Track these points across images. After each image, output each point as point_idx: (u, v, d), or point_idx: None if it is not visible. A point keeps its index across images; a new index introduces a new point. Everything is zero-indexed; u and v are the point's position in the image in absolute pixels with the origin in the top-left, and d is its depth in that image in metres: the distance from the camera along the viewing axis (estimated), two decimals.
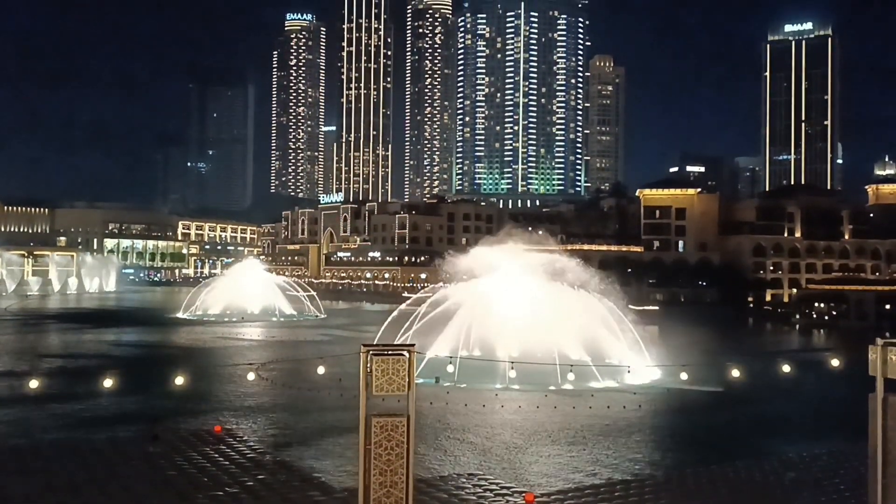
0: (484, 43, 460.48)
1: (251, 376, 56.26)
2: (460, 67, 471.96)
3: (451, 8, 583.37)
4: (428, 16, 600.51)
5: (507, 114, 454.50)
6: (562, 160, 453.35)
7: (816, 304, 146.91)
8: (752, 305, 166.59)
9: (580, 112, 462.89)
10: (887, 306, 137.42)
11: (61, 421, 47.31)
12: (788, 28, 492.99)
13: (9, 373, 67.39)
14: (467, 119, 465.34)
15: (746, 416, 52.76)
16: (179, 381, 47.06)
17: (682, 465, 39.03)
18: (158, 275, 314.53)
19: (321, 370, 52.92)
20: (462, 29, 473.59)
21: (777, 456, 39.52)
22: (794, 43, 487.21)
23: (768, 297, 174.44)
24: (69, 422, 47.15)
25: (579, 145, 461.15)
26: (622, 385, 60.95)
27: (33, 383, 48.47)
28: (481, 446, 42.48)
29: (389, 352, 17.90)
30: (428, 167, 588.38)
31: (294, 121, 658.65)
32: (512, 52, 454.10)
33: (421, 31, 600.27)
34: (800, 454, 39.66)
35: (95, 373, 58.59)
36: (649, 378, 64.22)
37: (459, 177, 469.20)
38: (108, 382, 46.08)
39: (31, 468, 34.60)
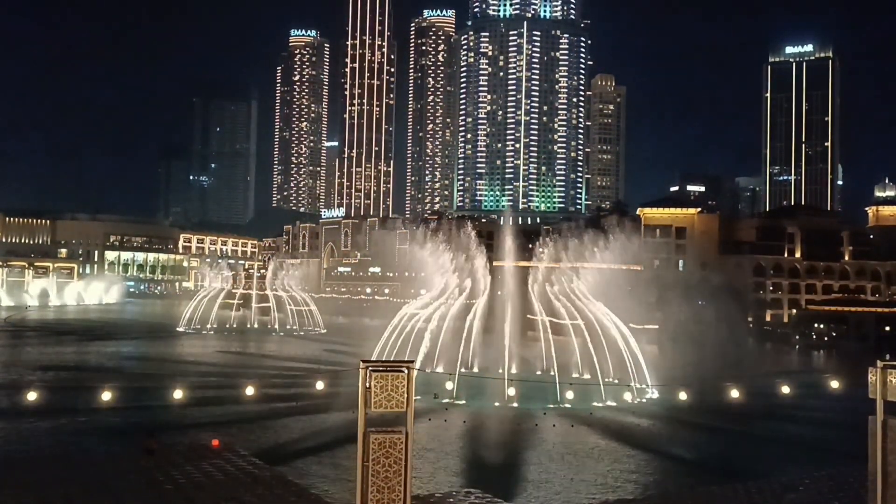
0: (486, 61, 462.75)
1: (250, 390, 56.06)
2: (463, 85, 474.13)
3: (454, 26, 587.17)
4: (431, 33, 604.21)
5: (508, 131, 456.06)
6: (563, 178, 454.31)
7: (816, 325, 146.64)
8: (751, 325, 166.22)
9: (581, 130, 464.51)
10: (887, 328, 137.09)
11: (57, 433, 47.12)
12: (789, 50, 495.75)
13: (6, 384, 67.20)
14: (469, 136, 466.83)
15: (745, 436, 52.54)
16: (178, 394, 47.00)
17: (680, 486, 38.85)
18: (158, 287, 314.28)
19: (320, 385, 52.83)
20: (465, 47, 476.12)
21: (776, 477, 39.32)
22: (794, 64, 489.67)
23: (768, 318, 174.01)
24: (65, 434, 46.95)
25: (580, 163, 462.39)
26: (621, 404, 60.75)
27: (31, 395, 48.38)
28: (479, 463, 42.27)
29: (388, 368, 17.85)
30: (429, 183, 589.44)
31: (297, 136, 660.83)
32: (514, 71, 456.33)
33: (424, 48, 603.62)
34: (799, 476, 39.46)
35: (93, 385, 58.45)
36: (649, 397, 64.01)
37: (460, 193, 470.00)
38: (105, 395, 46.01)
39: (26, 481, 34.41)
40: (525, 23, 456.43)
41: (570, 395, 57.06)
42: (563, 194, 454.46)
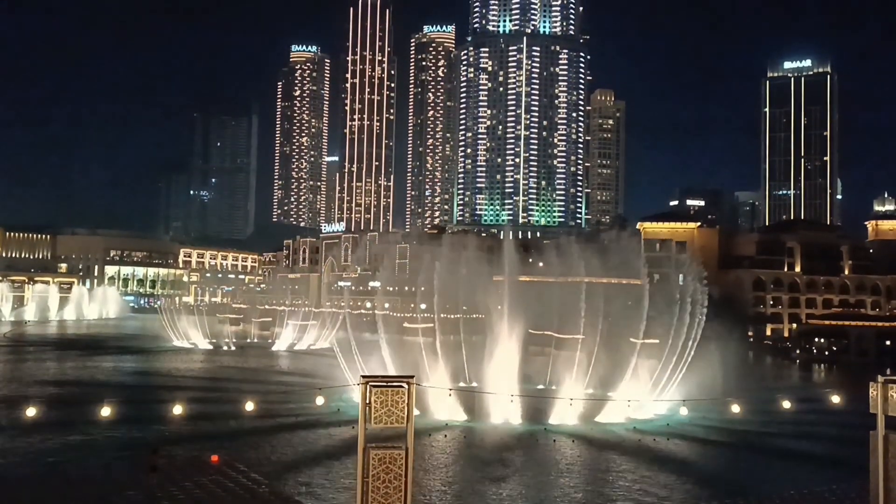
0: (486, 76, 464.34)
1: (250, 405, 55.90)
2: (462, 100, 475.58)
3: (454, 41, 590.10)
4: (431, 49, 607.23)
5: (508, 146, 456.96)
6: (562, 192, 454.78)
7: (817, 340, 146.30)
8: (751, 340, 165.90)
9: (581, 145, 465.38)
10: (888, 342, 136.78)
11: (55, 449, 46.92)
12: (788, 65, 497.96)
13: (4, 399, 67.00)
14: (469, 150, 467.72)
15: (747, 452, 52.31)
16: (178, 409, 46.88)
17: (681, 502, 38.67)
18: (158, 302, 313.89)
19: (320, 400, 52.69)
20: (465, 62, 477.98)
21: (778, 493, 39.15)
22: (793, 79, 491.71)
23: (768, 332, 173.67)
24: (63, 450, 46.74)
25: (580, 178, 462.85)
26: (622, 420, 60.51)
27: (30, 411, 48.25)
28: (478, 479, 42.08)
29: (389, 383, 17.82)
30: (429, 198, 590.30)
31: (297, 150, 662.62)
32: (514, 86, 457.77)
33: (424, 63, 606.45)
34: (800, 491, 39.27)
35: (91, 400, 58.28)
36: (649, 413, 63.74)
37: (460, 207, 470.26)
38: (104, 411, 45.88)
39: (24, 498, 34.26)
40: (524, 38, 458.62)
41: (571, 410, 56.83)
42: (562, 209, 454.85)
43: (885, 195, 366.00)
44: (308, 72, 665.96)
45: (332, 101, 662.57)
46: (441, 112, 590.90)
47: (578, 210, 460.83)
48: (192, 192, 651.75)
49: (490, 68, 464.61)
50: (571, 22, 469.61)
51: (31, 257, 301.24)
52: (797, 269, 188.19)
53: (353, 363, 68.79)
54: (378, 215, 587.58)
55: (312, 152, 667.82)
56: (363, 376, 18.38)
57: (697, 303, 74.84)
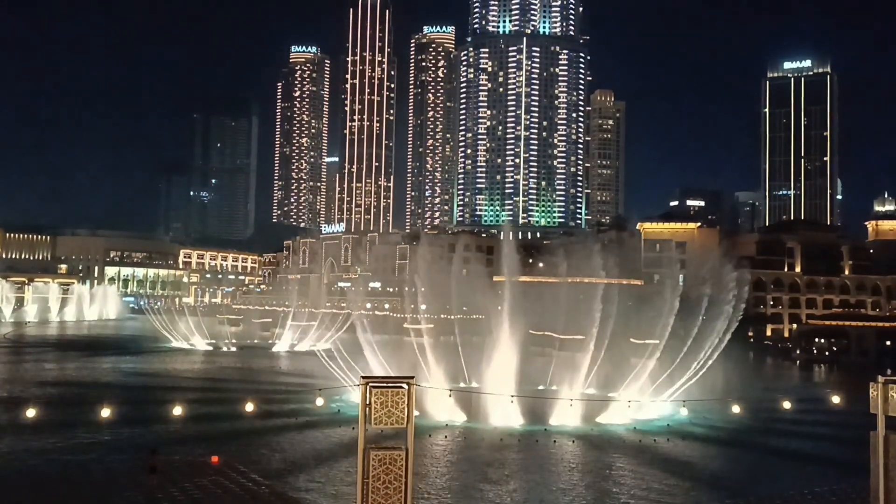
0: (486, 77, 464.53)
1: (249, 406, 55.86)
2: (462, 100, 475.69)
3: (453, 42, 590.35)
4: (431, 49, 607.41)
5: (508, 146, 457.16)
6: (562, 193, 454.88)
7: (817, 340, 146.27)
8: (752, 340, 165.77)
9: (581, 146, 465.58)
10: (888, 342, 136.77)
11: (55, 450, 46.89)
12: (787, 65, 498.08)
13: (4, 400, 66.99)
14: (469, 151, 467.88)
15: (748, 453, 52.27)
16: (177, 410, 46.85)
17: (682, 502, 38.64)
18: (158, 303, 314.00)
19: (320, 401, 52.66)
20: (465, 63, 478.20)
21: (779, 494, 39.12)
22: (793, 79, 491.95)
23: (769, 332, 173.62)
24: (63, 451, 46.72)
25: (580, 178, 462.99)
26: (624, 420, 60.49)
27: (29, 412, 48.25)
28: (478, 480, 42.08)
29: (388, 384, 17.78)
30: (429, 198, 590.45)
31: (297, 151, 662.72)
32: (514, 86, 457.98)
33: (424, 64, 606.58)
34: (801, 492, 39.25)
35: (91, 401, 58.30)
36: (650, 414, 63.70)
37: (460, 208, 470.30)
38: (104, 411, 45.89)
39: (24, 498, 34.22)
40: (524, 39, 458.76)
41: (571, 411, 56.80)
42: (562, 209, 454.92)
43: (886, 195, 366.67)
44: (308, 72, 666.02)
45: (331, 101, 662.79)
46: (441, 113, 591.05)
47: (578, 210, 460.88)
48: (192, 192, 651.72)
49: (490, 69, 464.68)
50: (571, 22, 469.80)
51: (31, 258, 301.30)
52: (797, 269, 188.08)
53: (349, 366, 68.70)
54: (378, 216, 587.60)
55: (312, 153, 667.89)
56: (363, 377, 18.33)
57: (734, 306, 74.81)
